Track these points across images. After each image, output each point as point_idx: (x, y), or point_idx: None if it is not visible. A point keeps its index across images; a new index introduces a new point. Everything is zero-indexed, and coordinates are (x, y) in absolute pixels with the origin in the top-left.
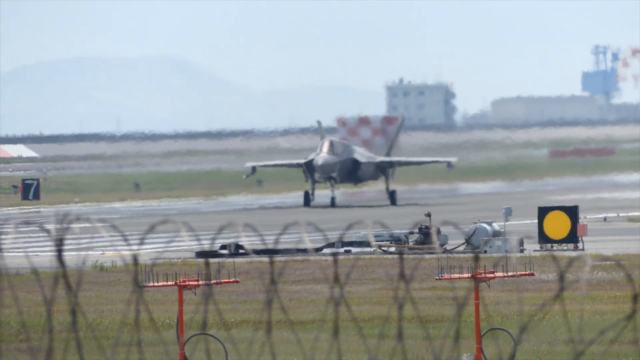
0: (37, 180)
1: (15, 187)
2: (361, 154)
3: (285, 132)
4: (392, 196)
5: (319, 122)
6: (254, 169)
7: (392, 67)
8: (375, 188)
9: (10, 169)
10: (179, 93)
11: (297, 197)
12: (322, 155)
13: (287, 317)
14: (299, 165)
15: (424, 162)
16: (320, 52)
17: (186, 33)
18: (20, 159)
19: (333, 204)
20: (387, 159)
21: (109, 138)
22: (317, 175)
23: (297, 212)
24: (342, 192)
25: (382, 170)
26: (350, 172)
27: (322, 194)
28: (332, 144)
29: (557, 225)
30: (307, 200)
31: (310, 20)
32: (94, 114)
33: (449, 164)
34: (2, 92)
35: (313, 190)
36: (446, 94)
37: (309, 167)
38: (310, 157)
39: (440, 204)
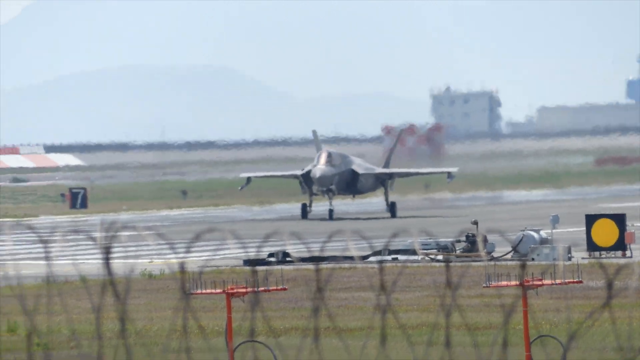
0: (84, 189)
1: (63, 195)
2: (359, 165)
3: (330, 141)
4: (391, 208)
5: (314, 132)
6: (249, 179)
7: (437, 75)
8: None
9: (57, 178)
10: (223, 101)
11: (295, 208)
12: (319, 167)
13: (334, 324)
14: (294, 176)
15: (424, 174)
16: (365, 59)
17: (231, 41)
18: (67, 168)
19: (331, 216)
20: (387, 170)
21: (156, 146)
22: (314, 188)
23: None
24: (341, 202)
25: (382, 181)
26: (349, 183)
27: (319, 204)
28: (329, 155)
29: (605, 232)
30: (305, 212)
31: (355, 27)
32: (140, 123)
33: (449, 175)
34: (48, 101)
35: (311, 202)
36: (491, 102)
37: (305, 179)
38: (307, 169)
39: (446, 216)
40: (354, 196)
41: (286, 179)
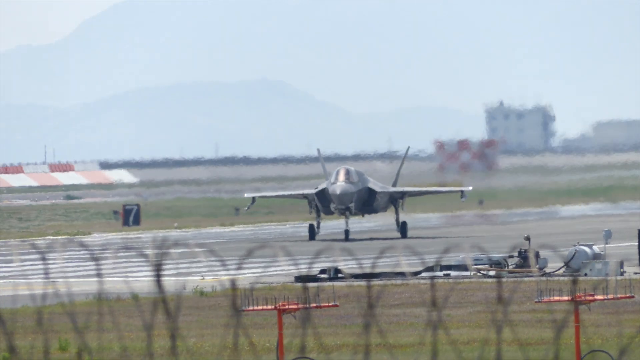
0: (137, 205)
1: (116, 212)
2: (375, 183)
3: (383, 156)
4: (402, 228)
5: (318, 150)
6: (253, 199)
7: (491, 89)
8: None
9: (111, 195)
10: (277, 117)
11: (302, 228)
12: (339, 185)
13: (385, 341)
14: (304, 196)
15: (437, 192)
16: (418, 73)
17: (284, 56)
18: (120, 185)
19: (347, 237)
20: (399, 189)
21: (208, 162)
22: (332, 206)
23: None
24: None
25: (393, 200)
26: (365, 202)
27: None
28: (348, 172)
29: None
30: (312, 234)
31: (407, 42)
32: (192, 139)
33: (462, 194)
34: (103, 118)
35: (319, 222)
36: (545, 117)
37: (320, 198)
38: (321, 187)
39: (463, 236)
40: (363, 215)
41: (287, 198)
